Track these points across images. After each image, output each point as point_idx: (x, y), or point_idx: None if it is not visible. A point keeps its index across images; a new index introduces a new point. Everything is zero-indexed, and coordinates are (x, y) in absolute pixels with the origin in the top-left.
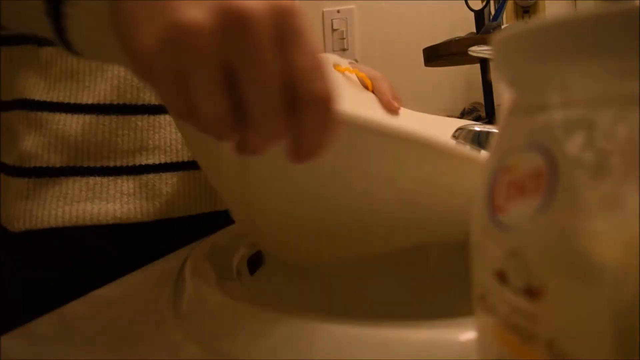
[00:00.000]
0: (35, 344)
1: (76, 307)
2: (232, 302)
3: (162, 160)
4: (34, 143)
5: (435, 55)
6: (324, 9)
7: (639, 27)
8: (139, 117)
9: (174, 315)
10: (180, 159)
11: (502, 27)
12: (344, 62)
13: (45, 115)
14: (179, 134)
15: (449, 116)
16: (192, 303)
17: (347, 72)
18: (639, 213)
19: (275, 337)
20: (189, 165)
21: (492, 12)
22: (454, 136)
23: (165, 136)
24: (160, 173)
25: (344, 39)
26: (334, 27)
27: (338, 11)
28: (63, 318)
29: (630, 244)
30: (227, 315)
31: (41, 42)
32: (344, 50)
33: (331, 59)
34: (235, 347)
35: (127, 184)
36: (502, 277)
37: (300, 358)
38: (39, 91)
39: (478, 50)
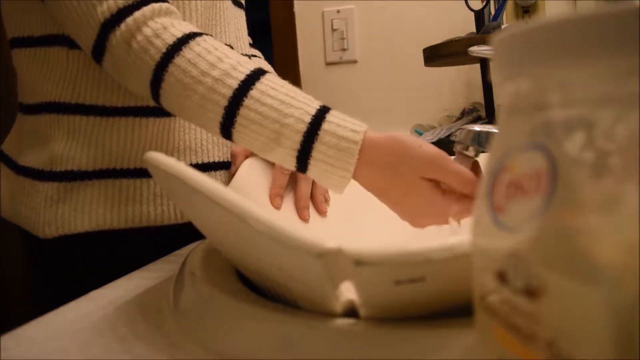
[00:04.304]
0: (35, 344)
1: (76, 307)
2: (232, 302)
3: (194, 161)
4: (65, 146)
5: (435, 55)
6: (324, 9)
7: (639, 27)
8: (171, 119)
9: (174, 315)
10: (211, 160)
11: (502, 27)
12: None
13: (78, 119)
14: (209, 135)
15: (448, 116)
16: (192, 303)
17: None
18: (639, 213)
19: (275, 337)
20: (220, 166)
21: (492, 12)
22: (455, 135)
23: (196, 137)
24: None
25: (344, 39)
26: (334, 27)
27: (338, 11)
28: (63, 318)
29: (630, 244)
30: (227, 315)
31: (72, 44)
32: (344, 50)
33: None
34: (235, 347)
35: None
36: (502, 277)
37: (300, 358)
38: (69, 94)
39: (478, 50)
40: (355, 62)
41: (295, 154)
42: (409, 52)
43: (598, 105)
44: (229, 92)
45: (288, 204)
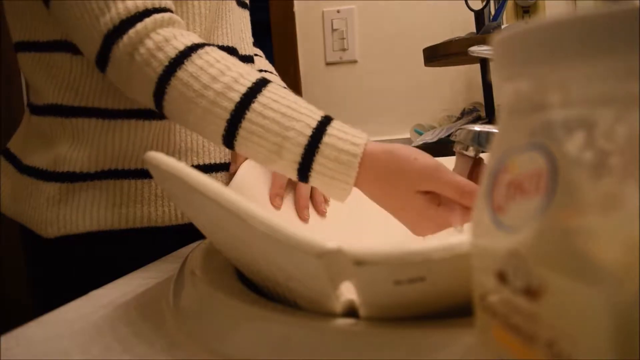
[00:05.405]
0: (35, 344)
1: (76, 307)
2: (232, 302)
3: (195, 162)
4: (69, 148)
5: (435, 55)
6: (324, 9)
7: (639, 27)
8: (172, 121)
9: (174, 315)
10: (212, 161)
11: (502, 27)
12: None
13: (81, 121)
14: None
15: (448, 116)
16: (192, 303)
17: None
18: (639, 213)
19: (275, 337)
20: (221, 167)
21: (492, 12)
22: (455, 135)
23: (197, 139)
24: None
25: (344, 39)
26: (334, 27)
27: (338, 11)
28: (63, 318)
29: (630, 244)
30: (227, 315)
31: (76, 50)
32: (344, 50)
33: None
34: (235, 347)
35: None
36: (502, 277)
37: (300, 358)
38: (72, 98)
39: (478, 50)
40: (355, 62)
41: (296, 166)
42: (409, 52)
43: (598, 105)
44: (231, 106)
45: (288, 204)
